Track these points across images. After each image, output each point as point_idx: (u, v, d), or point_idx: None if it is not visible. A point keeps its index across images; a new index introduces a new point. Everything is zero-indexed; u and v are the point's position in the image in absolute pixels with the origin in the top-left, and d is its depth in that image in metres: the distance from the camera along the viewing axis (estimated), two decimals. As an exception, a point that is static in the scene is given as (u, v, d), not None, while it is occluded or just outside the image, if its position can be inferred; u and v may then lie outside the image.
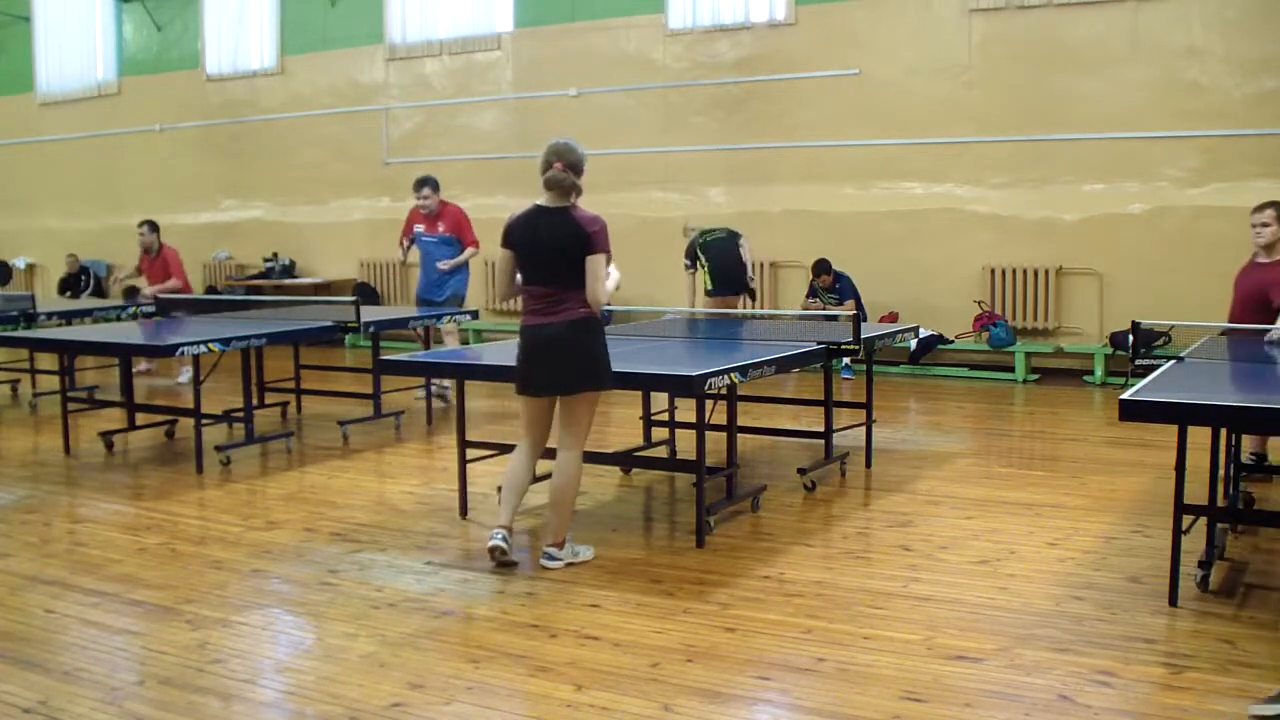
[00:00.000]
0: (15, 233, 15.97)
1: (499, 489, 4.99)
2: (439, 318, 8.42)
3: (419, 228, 8.92)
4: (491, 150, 12.52)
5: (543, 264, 4.62)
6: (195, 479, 6.47)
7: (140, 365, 10.07)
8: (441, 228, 8.87)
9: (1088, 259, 9.92)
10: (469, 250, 8.85)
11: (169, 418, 7.68)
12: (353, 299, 8.06)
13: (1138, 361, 5.17)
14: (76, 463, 7.02)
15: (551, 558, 4.68)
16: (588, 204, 4.72)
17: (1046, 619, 4.08)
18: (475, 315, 8.90)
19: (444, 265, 8.74)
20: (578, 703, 3.42)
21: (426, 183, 8.88)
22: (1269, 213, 5.95)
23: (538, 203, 4.65)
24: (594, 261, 4.53)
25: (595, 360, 4.66)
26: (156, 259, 10.12)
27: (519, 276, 4.76)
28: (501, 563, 4.69)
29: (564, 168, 4.54)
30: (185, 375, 9.28)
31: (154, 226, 10.18)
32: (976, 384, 9.98)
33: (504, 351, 5.89)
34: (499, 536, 4.64)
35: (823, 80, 10.82)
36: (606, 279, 4.59)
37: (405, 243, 9.16)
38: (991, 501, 5.82)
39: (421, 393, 8.54)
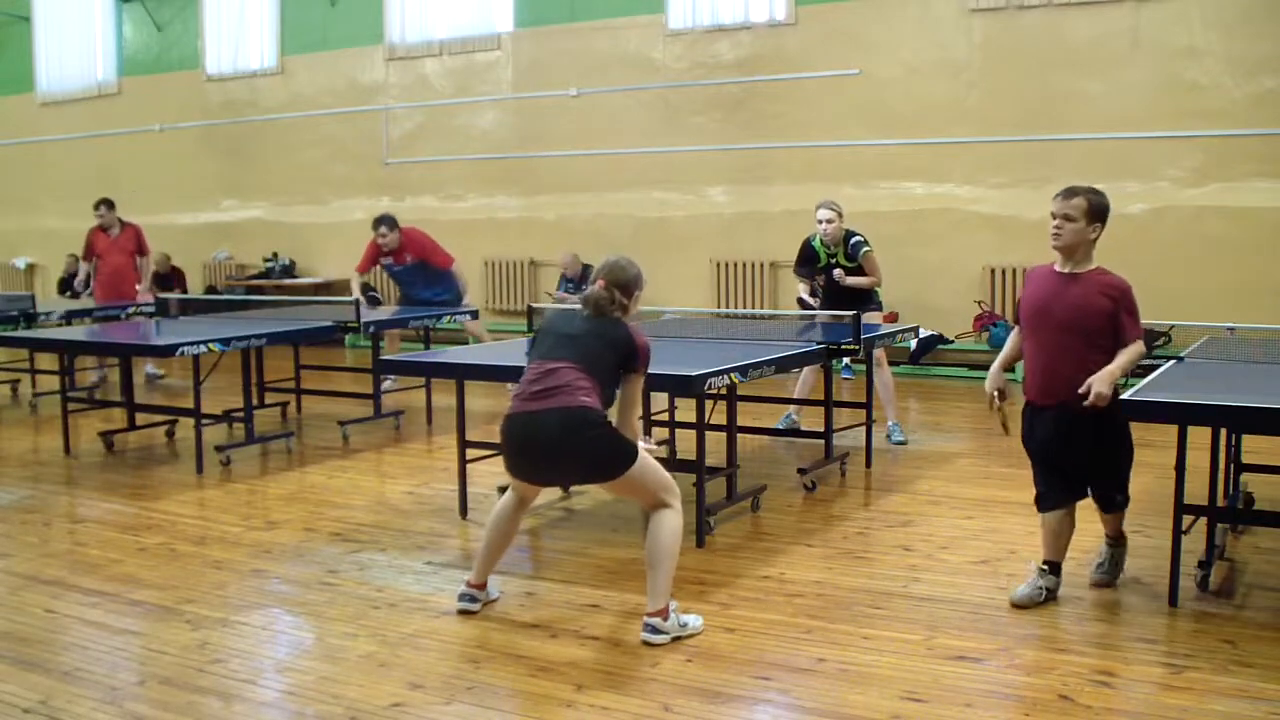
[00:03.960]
0: (15, 233, 15.96)
1: (500, 489, 4.96)
2: (439, 318, 8.43)
3: (386, 260, 8.94)
4: (491, 150, 12.51)
5: (564, 340, 3.97)
6: (195, 479, 6.47)
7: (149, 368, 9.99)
8: (409, 257, 8.92)
9: (1088, 259, 9.89)
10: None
11: (169, 418, 7.68)
12: (353, 299, 8.06)
13: (1137, 361, 5.16)
14: (76, 463, 7.01)
15: (655, 630, 3.86)
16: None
17: (1046, 619, 4.08)
18: (475, 315, 8.89)
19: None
20: (577, 703, 3.42)
21: (383, 221, 8.84)
22: (1076, 201, 4.14)
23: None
24: (634, 384, 3.97)
25: (599, 457, 3.89)
26: (119, 237, 9.69)
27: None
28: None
29: (606, 285, 4.00)
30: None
31: (111, 204, 9.74)
32: (976, 384, 9.93)
33: (503, 351, 5.91)
34: (465, 599, 4.18)
35: (823, 80, 10.81)
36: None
37: (361, 277, 9.09)
38: (991, 501, 5.82)
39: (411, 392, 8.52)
